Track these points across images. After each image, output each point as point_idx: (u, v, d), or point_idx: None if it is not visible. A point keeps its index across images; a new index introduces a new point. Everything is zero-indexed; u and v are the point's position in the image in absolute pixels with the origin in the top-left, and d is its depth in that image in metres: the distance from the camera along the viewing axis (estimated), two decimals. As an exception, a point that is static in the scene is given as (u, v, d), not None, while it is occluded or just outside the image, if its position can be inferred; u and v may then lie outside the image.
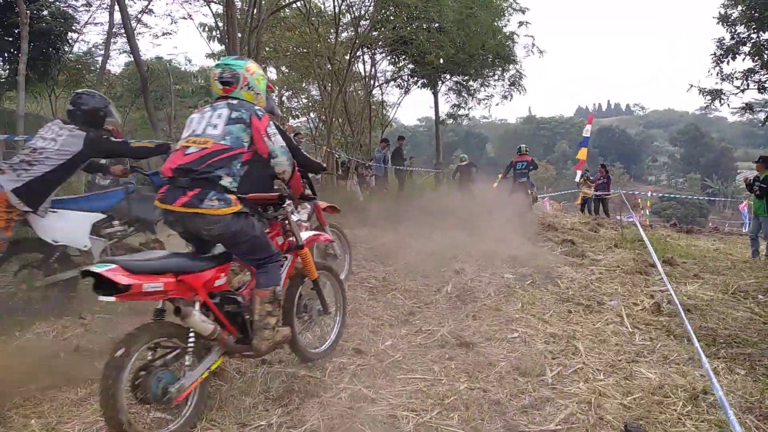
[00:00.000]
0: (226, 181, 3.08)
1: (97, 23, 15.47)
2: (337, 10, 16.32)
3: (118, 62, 44.21)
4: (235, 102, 3.28)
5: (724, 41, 14.91)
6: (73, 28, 14.81)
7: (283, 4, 14.73)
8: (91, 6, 15.65)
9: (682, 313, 4.46)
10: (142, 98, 13.00)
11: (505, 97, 21.49)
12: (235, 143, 3.15)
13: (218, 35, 16.09)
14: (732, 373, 3.85)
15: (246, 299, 3.33)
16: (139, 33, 16.13)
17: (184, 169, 3.08)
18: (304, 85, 22.12)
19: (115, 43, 17.50)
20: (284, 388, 3.45)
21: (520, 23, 19.04)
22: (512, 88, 21.31)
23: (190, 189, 3.03)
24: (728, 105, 15.32)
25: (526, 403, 3.34)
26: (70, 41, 14.98)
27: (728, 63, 14.98)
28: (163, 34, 17.50)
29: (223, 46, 15.41)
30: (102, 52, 15.04)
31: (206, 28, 16.59)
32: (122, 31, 13.00)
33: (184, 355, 2.96)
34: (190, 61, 36.75)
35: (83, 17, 16.08)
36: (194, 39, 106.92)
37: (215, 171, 3.06)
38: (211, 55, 18.48)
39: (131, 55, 12.38)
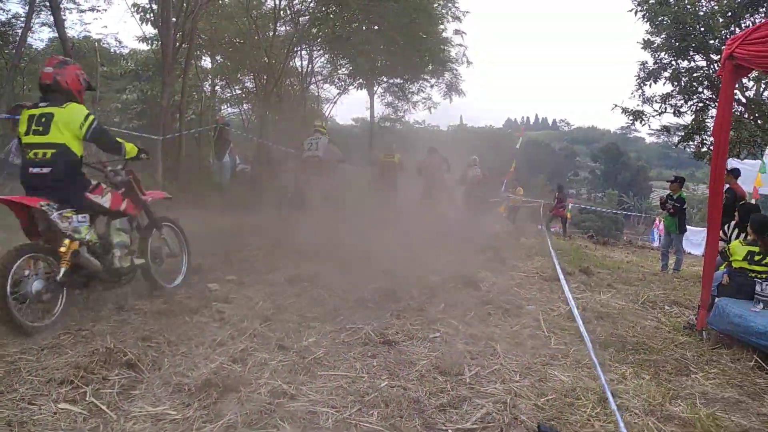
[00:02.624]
0: None
1: (18, -9, 14.58)
2: (276, 3, 16.07)
3: (40, 36, 41.75)
4: None
5: (647, 65, 15.72)
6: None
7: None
8: (12, -27, 14.75)
9: (580, 323, 4.69)
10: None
11: (445, 98, 21.88)
12: None
13: (152, 18, 15.42)
14: (638, 378, 4.06)
15: None
16: (66, 8, 15.27)
17: None
18: (238, 75, 21.60)
19: (38, 15, 16.51)
20: (203, 381, 3.36)
21: (456, 31, 19.45)
22: (450, 92, 21.70)
23: None
24: (648, 126, 16.18)
25: (444, 401, 3.40)
26: (-14, 10, 14.03)
27: (650, 86, 15.80)
28: (90, 9, 16.55)
29: (156, 30, 14.80)
30: (22, 23, 14.11)
31: (139, 9, 15.85)
32: (46, 2, 12.25)
33: None
34: (120, 42, 35.19)
35: (2, -16, 15.10)
36: (126, 20, 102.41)
37: None
38: (143, 39, 17.70)
39: (55, 30, 11.72)
